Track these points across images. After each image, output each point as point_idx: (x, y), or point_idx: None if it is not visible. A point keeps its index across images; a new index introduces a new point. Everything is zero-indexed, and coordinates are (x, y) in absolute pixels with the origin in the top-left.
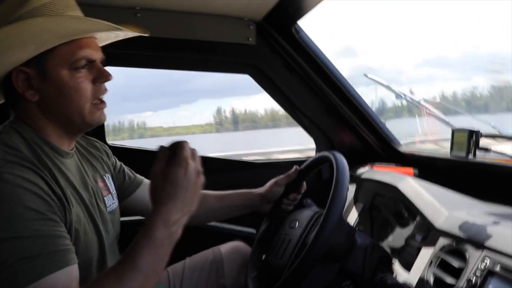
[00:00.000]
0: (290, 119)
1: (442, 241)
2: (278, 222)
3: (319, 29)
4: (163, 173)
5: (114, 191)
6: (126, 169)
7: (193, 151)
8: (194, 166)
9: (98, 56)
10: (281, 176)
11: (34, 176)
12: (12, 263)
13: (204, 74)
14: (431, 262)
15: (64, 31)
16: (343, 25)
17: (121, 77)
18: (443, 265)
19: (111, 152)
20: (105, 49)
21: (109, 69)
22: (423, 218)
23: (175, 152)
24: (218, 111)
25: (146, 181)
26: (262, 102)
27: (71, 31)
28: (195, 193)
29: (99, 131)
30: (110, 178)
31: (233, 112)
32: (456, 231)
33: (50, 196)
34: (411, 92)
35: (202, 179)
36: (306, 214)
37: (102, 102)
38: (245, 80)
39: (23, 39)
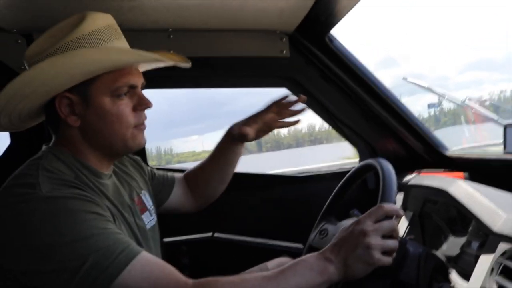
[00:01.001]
0: (313, 137)
1: (502, 246)
2: (326, 228)
3: (356, 42)
4: (350, 225)
5: (152, 207)
6: (158, 171)
7: (393, 227)
8: (376, 242)
9: (139, 81)
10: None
11: (81, 191)
12: (95, 259)
13: (243, 95)
14: (492, 270)
15: (110, 63)
16: (381, 35)
17: (164, 104)
18: (506, 272)
19: (144, 164)
20: (143, 72)
21: (146, 91)
22: (479, 222)
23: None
24: None
25: (177, 178)
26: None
27: (117, 63)
28: (363, 266)
29: (140, 155)
30: (147, 195)
31: None
32: None
33: (101, 206)
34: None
35: (381, 258)
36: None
37: (143, 124)
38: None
39: (71, 70)
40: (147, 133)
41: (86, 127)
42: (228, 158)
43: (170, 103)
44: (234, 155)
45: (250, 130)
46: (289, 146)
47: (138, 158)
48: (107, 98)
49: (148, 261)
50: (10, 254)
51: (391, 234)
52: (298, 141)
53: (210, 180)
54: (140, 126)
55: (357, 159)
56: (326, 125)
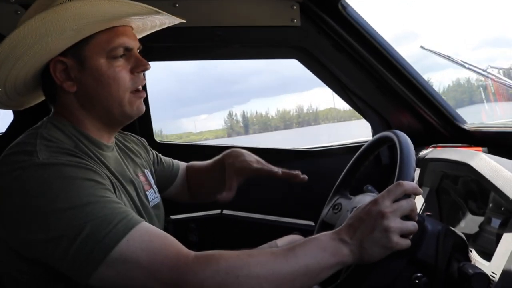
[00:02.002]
0: (300, 119)
1: None
2: (328, 228)
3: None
4: (366, 205)
5: (155, 185)
6: (163, 158)
7: (412, 207)
8: (395, 224)
9: (135, 44)
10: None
11: (80, 159)
12: (92, 229)
13: (253, 74)
14: None
15: (103, 15)
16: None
17: (173, 83)
18: None
19: (148, 146)
20: (145, 43)
21: (152, 63)
22: (504, 198)
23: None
24: (230, 115)
25: (182, 166)
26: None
27: (110, 14)
28: (380, 250)
29: (147, 130)
30: (150, 173)
31: (243, 115)
32: None
33: (100, 174)
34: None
35: (399, 242)
36: (367, 201)
37: (141, 91)
38: (293, 76)
39: (61, 25)
40: (155, 110)
41: (82, 92)
42: (221, 177)
43: (179, 82)
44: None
45: (249, 171)
46: (277, 128)
47: (143, 139)
48: (103, 59)
49: (148, 231)
50: (6, 223)
51: (410, 214)
52: (286, 123)
53: (202, 184)
54: (138, 92)
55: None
56: (314, 106)
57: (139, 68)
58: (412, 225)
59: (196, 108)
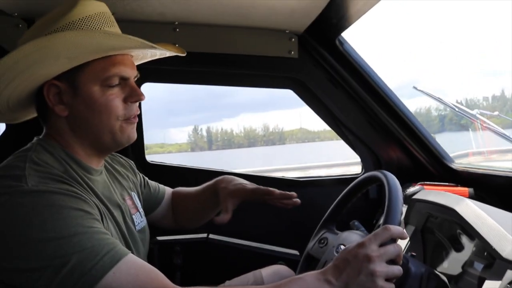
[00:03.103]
0: (265, 137)
1: (511, 274)
2: (314, 262)
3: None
4: (353, 247)
5: (141, 209)
6: (150, 182)
7: (398, 252)
8: (381, 268)
9: (132, 74)
10: (246, 188)
11: (69, 186)
12: (79, 260)
13: (242, 89)
14: None
15: (96, 46)
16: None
17: (164, 92)
18: None
19: (135, 168)
20: (143, 64)
21: (147, 85)
22: (487, 245)
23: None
24: (195, 129)
25: (168, 191)
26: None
27: (103, 46)
28: None
29: (138, 149)
30: (136, 196)
31: (208, 131)
32: None
33: (89, 203)
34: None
35: (384, 286)
36: (354, 239)
37: (134, 117)
38: (285, 93)
39: (54, 53)
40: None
41: (73, 117)
42: (209, 203)
43: (170, 92)
44: (216, 204)
45: (244, 193)
46: (240, 146)
47: (131, 162)
48: (96, 87)
49: (134, 264)
50: None
51: (395, 259)
52: (250, 141)
53: (188, 210)
54: (130, 119)
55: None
56: (280, 126)
57: (133, 98)
58: (397, 269)
59: (186, 119)
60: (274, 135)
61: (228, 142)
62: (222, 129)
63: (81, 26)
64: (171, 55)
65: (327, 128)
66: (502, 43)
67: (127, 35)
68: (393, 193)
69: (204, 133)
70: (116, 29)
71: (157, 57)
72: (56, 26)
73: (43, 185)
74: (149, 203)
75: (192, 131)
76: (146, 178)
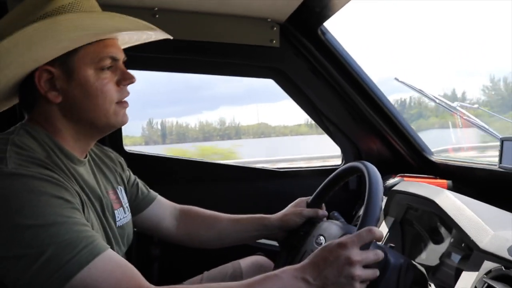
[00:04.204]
0: (221, 132)
1: (488, 265)
2: (293, 251)
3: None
4: (334, 246)
5: (127, 204)
6: (141, 183)
7: (379, 258)
8: (360, 273)
9: (121, 56)
10: (307, 209)
11: (51, 172)
12: (55, 252)
13: (223, 81)
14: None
15: (100, 28)
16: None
17: (142, 83)
18: None
19: (125, 164)
20: (124, 52)
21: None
22: (465, 236)
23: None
24: (149, 123)
25: (160, 198)
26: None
27: (107, 28)
28: None
29: (116, 138)
30: (123, 191)
31: (162, 124)
32: (504, 253)
33: (70, 190)
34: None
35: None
36: (334, 230)
37: (125, 102)
38: (266, 86)
39: (57, 35)
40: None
41: (67, 102)
42: (260, 232)
43: (148, 83)
44: (253, 236)
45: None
46: (195, 140)
47: (122, 158)
48: (91, 70)
49: (111, 260)
50: None
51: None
52: (205, 135)
53: (221, 234)
54: (123, 103)
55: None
56: (236, 121)
57: (125, 81)
58: (374, 273)
59: (166, 111)
60: (230, 130)
61: (183, 136)
62: (177, 122)
63: (72, 9)
64: (156, 39)
65: (285, 124)
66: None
67: (127, 16)
68: (373, 186)
69: (159, 127)
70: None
71: (140, 42)
72: (45, 11)
73: (24, 168)
74: (134, 205)
75: (146, 125)
76: (138, 180)
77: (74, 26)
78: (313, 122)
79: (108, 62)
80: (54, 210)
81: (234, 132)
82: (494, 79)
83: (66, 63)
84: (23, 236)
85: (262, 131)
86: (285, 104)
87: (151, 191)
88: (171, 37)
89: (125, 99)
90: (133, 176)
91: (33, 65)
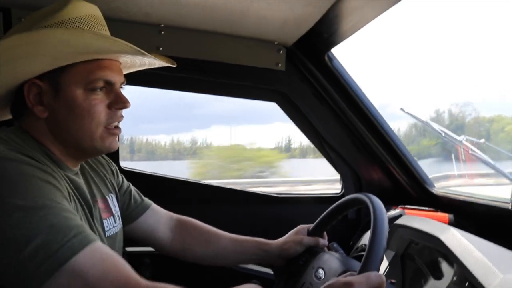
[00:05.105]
0: (192, 151)
1: None
2: (291, 282)
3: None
4: (340, 284)
5: (118, 212)
6: (134, 191)
7: None
8: None
9: (118, 79)
10: (309, 237)
11: (38, 163)
12: (45, 238)
13: (214, 101)
14: None
15: (84, 47)
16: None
17: (135, 97)
18: None
19: (117, 170)
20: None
21: (127, 87)
22: (472, 277)
23: None
24: (119, 139)
25: (155, 207)
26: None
27: (90, 47)
28: None
29: (112, 154)
30: (114, 199)
31: (131, 141)
32: None
33: (60, 181)
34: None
35: None
36: (334, 264)
37: (117, 128)
38: (259, 108)
39: (39, 50)
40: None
41: (53, 119)
42: (260, 256)
43: (141, 97)
44: (251, 260)
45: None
46: (163, 158)
47: (113, 163)
48: (80, 90)
49: (101, 250)
50: None
51: None
52: (175, 154)
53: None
54: (112, 128)
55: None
56: (209, 140)
57: (117, 105)
58: None
59: (156, 127)
60: (200, 150)
61: (151, 153)
62: (147, 140)
63: (70, 26)
64: (161, 65)
65: (254, 146)
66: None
67: (117, 39)
68: (379, 223)
69: (128, 143)
70: (106, 33)
71: (145, 67)
72: (45, 24)
73: (14, 155)
74: (126, 213)
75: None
76: (132, 187)
77: (58, 42)
78: (283, 145)
79: (99, 84)
80: (44, 193)
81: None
82: None
83: (55, 79)
84: (11, 218)
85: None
86: (277, 126)
87: (146, 199)
88: (174, 65)
89: (117, 128)
90: (126, 183)
91: (20, 77)
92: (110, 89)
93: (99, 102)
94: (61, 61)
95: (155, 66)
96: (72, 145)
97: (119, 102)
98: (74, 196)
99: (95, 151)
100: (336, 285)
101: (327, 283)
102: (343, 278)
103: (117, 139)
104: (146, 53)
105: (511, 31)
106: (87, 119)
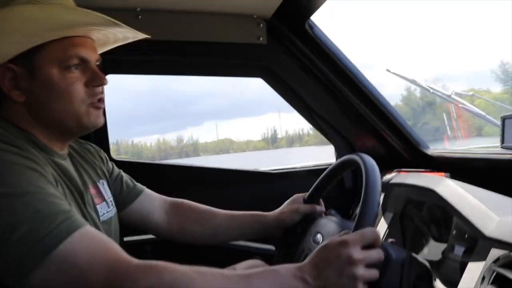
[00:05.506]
0: (177, 150)
1: (495, 252)
2: (291, 251)
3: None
4: (335, 245)
5: (111, 198)
6: (125, 176)
7: (381, 258)
8: (363, 272)
9: (93, 56)
10: (305, 205)
11: (20, 150)
12: (32, 225)
13: (208, 96)
14: (483, 278)
15: (55, 22)
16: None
17: (129, 101)
18: (500, 281)
19: (107, 157)
20: (106, 55)
21: (111, 76)
22: (469, 224)
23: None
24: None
25: (148, 191)
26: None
27: (62, 22)
28: None
29: (103, 145)
30: (106, 184)
31: (117, 143)
32: (511, 239)
33: (44, 167)
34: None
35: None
36: (331, 227)
37: (100, 101)
38: (251, 101)
39: (7, 27)
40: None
41: (32, 103)
42: (257, 229)
43: (133, 99)
44: (249, 233)
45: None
46: (150, 159)
47: (101, 150)
48: (55, 69)
49: (90, 234)
50: None
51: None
52: (161, 154)
53: (216, 230)
54: (95, 103)
55: None
56: (194, 136)
57: (95, 82)
58: (375, 273)
59: (150, 128)
60: (188, 147)
61: (138, 155)
62: (132, 142)
63: (40, 1)
64: (134, 39)
65: (243, 139)
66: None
67: (88, 10)
68: (371, 178)
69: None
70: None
71: (119, 42)
72: (14, 3)
73: None
74: (119, 199)
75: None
76: (122, 173)
77: (27, 18)
78: (269, 136)
79: (74, 61)
80: (27, 179)
81: (193, 149)
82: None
83: (29, 61)
84: None
85: (220, 148)
86: (269, 117)
87: (138, 184)
88: (149, 36)
89: (101, 101)
90: (117, 170)
91: None
92: (86, 67)
93: (76, 81)
94: (32, 40)
95: (130, 40)
96: (56, 126)
97: (96, 79)
98: (62, 181)
99: (81, 129)
100: (330, 246)
101: (322, 243)
102: (337, 238)
103: (101, 113)
104: (118, 22)
105: None
106: (67, 99)
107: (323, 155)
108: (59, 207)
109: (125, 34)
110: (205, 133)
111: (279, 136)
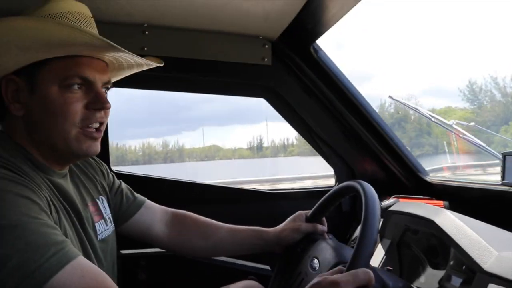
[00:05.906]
0: (163, 155)
1: (492, 287)
2: (287, 272)
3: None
4: (327, 285)
5: (109, 215)
6: (125, 188)
7: None
8: None
9: (98, 78)
10: (307, 224)
11: (15, 175)
12: (22, 258)
13: (204, 102)
14: None
15: (47, 37)
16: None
17: (123, 102)
18: None
19: (108, 171)
20: None
21: (113, 90)
22: (467, 257)
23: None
24: None
25: (149, 203)
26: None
27: (54, 37)
28: None
29: (102, 156)
30: (105, 201)
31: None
32: (510, 275)
33: (37, 193)
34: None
35: None
36: (328, 254)
37: (98, 131)
38: (247, 109)
39: (4, 40)
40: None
41: (29, 118)
42: (258, 245)
43: (129, 102)
44: (249, 249)
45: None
46: (134, 163)
47: (102, 163)
48: (55, 87)
49: (82, 267)
50: None
51: None
52: (146, 158)
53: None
54: (90, 131)
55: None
56: (181, 142)
57: (95, 105)
58: None
59: (145, 131)
60: (172, 153)
61: (122, 158)
62: (117, 144)
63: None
64: (148, 67)
65: (228, 147)
66: None
67: (86, 29)
68: (370, 207)
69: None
70: (93, 29)
71: (134, 69)
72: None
73: None
74: (120, 212)
75: None
76: (123, 186)
77: (20, 31)
78: (255, 145)
79: (75, 81)
80: (19, 209)
81: (178, 155)
82: None
83: (31, 75)
84: None
85: (205, 155)
86: (264, 125)
87: (139, 196)
88: (162, 64)
89: (99, 130)
90: (117, 182)
91: None
92: (90, 88)
93: (75, 101)
94: (30, 53)
95: (144, 68)
96: (47, 146)
97: (97, 102)
98: (58, 203)
99: (71, 155)
100: (323, 284)
101: (313, 281)
102: (330, 277)
103: (97, 143)
104: (116, 46)
105: None
106: (60, 118)
107: (306, 166)
108: (52, 238)
109: (136, 60)
110: (194, 139)
111: (265, 145)
